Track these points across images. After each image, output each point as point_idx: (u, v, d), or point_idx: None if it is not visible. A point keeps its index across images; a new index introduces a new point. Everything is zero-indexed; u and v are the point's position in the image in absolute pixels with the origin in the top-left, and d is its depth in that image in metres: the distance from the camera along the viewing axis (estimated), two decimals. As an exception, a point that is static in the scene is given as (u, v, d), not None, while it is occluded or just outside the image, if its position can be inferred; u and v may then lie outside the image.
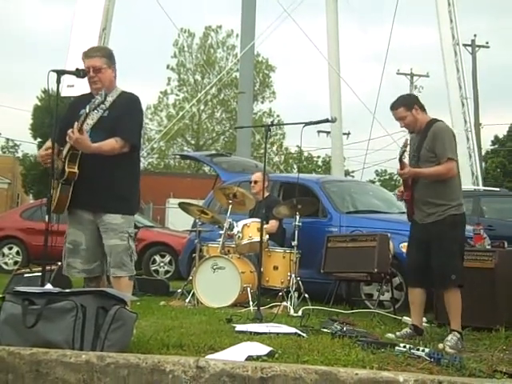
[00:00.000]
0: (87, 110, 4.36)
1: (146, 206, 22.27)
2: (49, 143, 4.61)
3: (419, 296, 5.19)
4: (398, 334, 5.17)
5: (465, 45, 25.02)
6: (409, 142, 5.26)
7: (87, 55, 4.70)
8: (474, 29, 61.99)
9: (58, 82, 4.63)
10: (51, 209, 4.59)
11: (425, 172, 5.15)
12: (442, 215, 5.02)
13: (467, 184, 17.01)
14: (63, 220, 4.82)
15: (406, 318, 5.67)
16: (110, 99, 4.57)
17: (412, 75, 33.20)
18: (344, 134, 24.91)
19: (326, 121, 7.21)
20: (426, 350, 4.06)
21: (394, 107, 5.29)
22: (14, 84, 71.70)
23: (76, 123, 4.40)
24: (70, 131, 4.41)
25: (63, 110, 4.98)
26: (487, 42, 29.37)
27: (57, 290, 3.90)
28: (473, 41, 28.59)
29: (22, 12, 71.43)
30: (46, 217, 4.53)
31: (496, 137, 37.25)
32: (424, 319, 5.82)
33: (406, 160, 5.24)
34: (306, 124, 6.37)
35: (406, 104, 5.25)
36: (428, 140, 5.12)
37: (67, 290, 3.89)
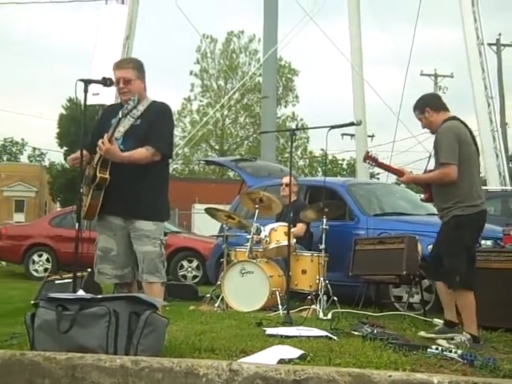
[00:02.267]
0: (120, 115, 4.44)
1: (172, 212, 22.35)
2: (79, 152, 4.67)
3: (443, 289, 5.18)
4: (432, 331, 5.18)
5: (489, 44, 24.83)
6: (371, 154, 5.39)
7: (118, 66, 4.77)
8: (499, 28, 61.34)
9: (86, 91, 4.71)
10: (82, 215, 4.65)
11: (422, 178, 5.28)
12: (447, 216, 5.05)
13: (495, 184, 16.87)
14: (93, 227, 4.88)
15: (436, 320, 5.63)
16: (141, 108, 4.63)
17: (436, 76, 33.03)
18: (368, 136, 24.81)
19: (352, 124, 7.21)
20: (459, 351, 4.04)
21: (413, 110, 5.35)
22: (40, 93, 72.64)
23: (106, 134, 4.46)
24: (100, 141, 4.47)
25: (88, 118, 5.05)
26: (513, 41, 29.13)
27: (89, 295, 3.94)
28: (498, 40, 28.37)
29: (45, 22, 72.38)
30: (76, 224, 4.60)
31: (523, 136, 36.78)
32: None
33: (397, 165, 5.41)
34: (332, 127, 6.35)
35: (418, 107, 5.28)
36: (434, 143, 5.16)
37: (99, 296, 3.93)
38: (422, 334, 5.20)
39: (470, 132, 5.24)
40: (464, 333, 4.86)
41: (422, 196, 5.51)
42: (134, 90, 4.68)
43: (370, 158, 5.42)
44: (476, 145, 5.25)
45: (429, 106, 5.23)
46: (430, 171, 5.24)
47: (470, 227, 5.03)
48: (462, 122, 5.21)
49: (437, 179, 5.08)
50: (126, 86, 4.70)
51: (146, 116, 4.64)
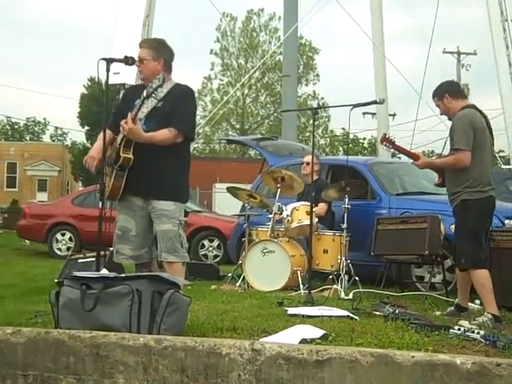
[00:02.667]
0: (144, 95, 4.44)
1: (193, 191, 22.44)
2: (102, 135, 4.68)
3: (461, 275, 5.27)
4: (444, 312, 5.31)
5: (514, 20, 24.35)
6: (388, 136, 5.51)
7: (139, 45, 4.80)
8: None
9: (108, 70, 4.69)
10: (105, 196, 4.68)
11: (436, 162, 5.49)
12: (457, 200, 5.20)
13: (519, 163, 16.68)
14: (116, 206, 4.90)
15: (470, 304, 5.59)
16: (164, 90, 4.61)
17: (459, 53, 32.59)
18: (390, 115, 24.60)
19: (374, 102, 7.16)
20: (482, 332, 4.01)
21: (432, 97, 5.49)
22: (62, 74, 72.86)
23: (130, 113, 4.46)
24: (123, 121, 4.48)
25: (109, 98, 5.05)
26: (537, 17, 28.56)
27: (113, 274, 3.97)
28: (522, 16, 27.83)
29: (67, 0, 72.30)
30: (100, 203, 4.62)
31: (547, 114, 36.26)
32: (477, 301, 5.76)
33: (416, 150, 5.63)
34: (354, 106, 6.31)
35: (438, 93, 5.40)
36: (450, 129, 5.29)
37: (123, 275, 3.96)
38: (436, 313, 5.31)
39: (485, 119, 5.34)
40: (485, 313, 4.90)
41: (436, 180, 5.63)
42: (146, 71, 4.68)
43: (387, 141, 5.49)
44: (491, 132, 5.36)
45: (448, 92, 5.35)
46: (445, 156, 5.41)
47: (478, 211, 5.13)
48: (478, 109, 5.33)
49: (450, 164, 5.23)
50: (141, 65, 4.70)
51: (168, 98, 4.63)
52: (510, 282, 5.58)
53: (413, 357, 3.07)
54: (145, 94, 4.47)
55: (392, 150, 5.66)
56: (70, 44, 76.43)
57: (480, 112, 5.33)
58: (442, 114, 5.56)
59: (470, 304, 5.64)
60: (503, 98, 17.91)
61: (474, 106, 5.36)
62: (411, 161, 5.56)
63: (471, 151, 5.08)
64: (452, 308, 5.38)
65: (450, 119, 5.43)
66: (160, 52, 4.78)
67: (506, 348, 3.74)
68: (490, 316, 4.84)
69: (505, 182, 10.71)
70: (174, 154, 4.66)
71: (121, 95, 5.25)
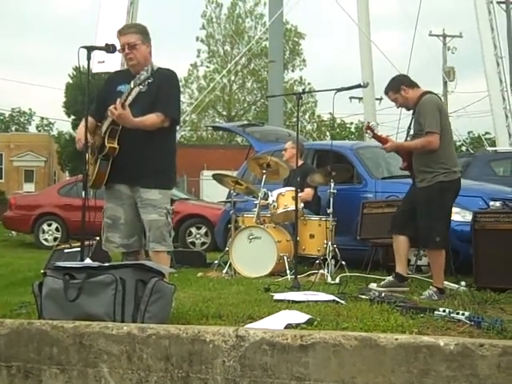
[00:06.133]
0: (132, 85, 4.38)
1: (180, 179, 22.39)
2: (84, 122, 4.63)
3: (403, 243, 5.58)
4: (381, 283, 5.67)
5: (499, 2, 24.35)
6: (371, 124, 5.74)
7: (122, 32, 4.70)
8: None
9: (89, 58, 4.64)
10: (89, 184, 4.64)
11: (406, 145, 5.60)
12: (431, 182, 5.32)
13: (504, 145, 16.76)
14: (100, 195, 4.87)
15: (445, 283, 5.63)
16: (147, 75, 4.55)
17: (445, 36, 32.55)
18: (376, 99, 24.50)
19: (358, 86, 7.13)
20: (466, 313, 4.02)
21: (385, 93, 5.72)
22: (47, 63, 72.39)
23: (118, 99, 4.41)
24: (112, 107, 4.42)
25: (95, 87, 4.99)
26: (522, -1, 28.52)
27: (96, 264, 3.95)
28: (507, -3, 27.79)
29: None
30: (83, 192, 4.59)
31: (533, 96, 36.35)
32: (463, 283, 5.82)
33: (384, 134, 5.75)
34: (338, 90, 6.29)
35: (393, 87, 5.61)
36: (416, 114, 5.45)
37: (106, 264, 3.94)
38: (372, 286, 5.69)
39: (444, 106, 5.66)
40: (431, 286, 5.30)
41: (401, 164, 5.76)
42: (140, 55, 4.62)
43: (369, 129, 5.71)
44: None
45: (404, 83, 5.58)
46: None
47: (452, 192, 5.40)
48: (438, 96, 5.67)
49: (420, 147, 5.38)
50: (132, 51, 4.63)
51: (151, 82, 4.55)
52: (494, 263, 5.62)
53: (396, 339, 3.07)
54: (132, 84, 4.40)
55: (371, 137, 5.79)
56: (55, 33, 75.89)
57: (438, 97, 5.61)
58: (399, 107, 5.75)
59: (451, 284, 5.72)
60: (488, 81, 17.96)
61: (432, 92, 5.56)
62: (380, 145, 5.70)
63: (440, 134, 5.28)
64: (390, 278, 5.64)
65: (408, 109, 5.66)
66: (146, 36, 4.73)
67: (491, 329, 3.75)
68: (435, 289, 5.22)
69: (490, 164, 10.76)
70: (160, 140, 4.61)
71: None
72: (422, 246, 5.98)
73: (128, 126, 4.48)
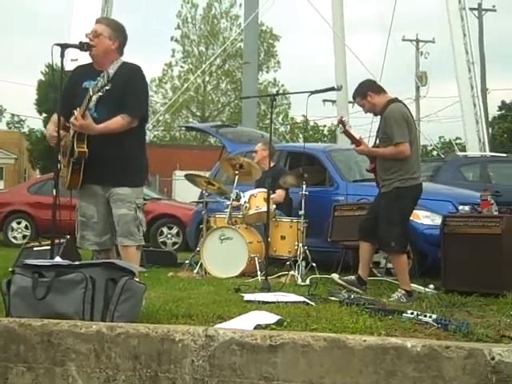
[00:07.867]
0: (91, 93, 4.33)
1: (153, 179, 22.25)
2: (55, 117, 4.59)
3: (366, 250, 5.69)
4: (344, 278, 5.80)
5: (471, 9, 24.69)
6: (343, 119, 5.92)
7: (96, 20, 4.72)
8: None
9: (62, 55, 4.59)
10: (65, 186, 4.63)
11: (378, 151, 5.61)
12: (389, 188, 5.46)
13: (474, 150, 16.96)
14: (73, 194, 4.83)
15: (413, 286, 5.70)
16: (111, 72, 4.50)
17: (418, 41, 32.89)
18: (350, 102, 24.60)
19: (332, 89, 7.18)
20: (434, 316, 4.08)
21: (353, 98, 5.85)
22: (20, 59, 71.53)
23: (78, 108, 4.38)
24: (72, 118, 4.40)
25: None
26: (494, 6, 28.97)
27: (66, 262, 3.92)
28: (479, 4, 28.20)
29: (23, -15, 70.76)
30: (54, 191, 4.55)
31: (503, 102, 36.73)
32: (431, 286, 5.89)
33: (358, 136, 5.80)
34: (312, 93, 6.32)
35: (360, 93, 5.69)
36: (383, 123, 5.53)
37: (76, 263, 3.91)
38: (334, 276, 5.91)
39: (408, 110, 5.70)
40: (399, 289, 5.38)
41: (368, 166, 5.86)
42: (100, 46, 4.59)
43: (341, 123, 5.86)
44: (415, 125, 5.75)
45: (370, 89, 5.66)
46: (377, 146, 5.65)
47: (409, 198, 5.50)
48: (402, 102, 5.70)
49: (391, 156, 5.46)
50: (94, 39, 4.61)
51: (116, 79, 4.49)
52: (462, 267, 5.69)
53: (364, 341, 3.10)
54: (91, 92, 4.33)
55: (342, 133, 5.91)
56: (29, 29, 74.93)
57: (404, 104, 5.68)
58: (367, 112, 5.81)
59: (419, 287, 5.78)
60: (460, 86, 18.17)
61: (398, 100, 5.65)
62: (352, 146, 5.79)
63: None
64: (353, 277, 5.75)
65: (375, 115, 5.75)
66: (118, 33, 4.70)
67: (457, 331, 3.81)
68: (404, 292, 5.31)
69: (460, 169, 10.88)
70: (127, 138, 4.57)
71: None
72: (382, 251, 6.16)
73: (92, 134, 4.46)
